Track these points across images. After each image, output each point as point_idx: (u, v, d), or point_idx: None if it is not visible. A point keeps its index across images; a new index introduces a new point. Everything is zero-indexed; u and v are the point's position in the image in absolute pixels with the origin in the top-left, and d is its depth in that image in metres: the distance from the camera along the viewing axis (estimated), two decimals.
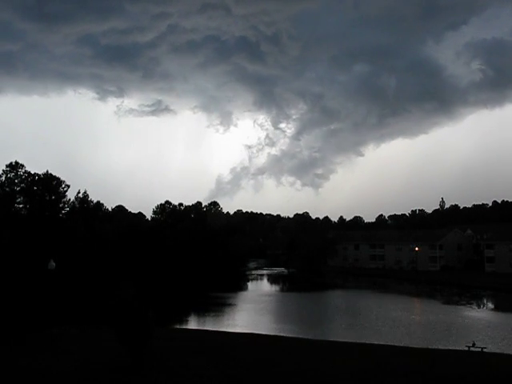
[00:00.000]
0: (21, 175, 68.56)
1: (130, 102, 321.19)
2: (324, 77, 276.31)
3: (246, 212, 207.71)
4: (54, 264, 29.72)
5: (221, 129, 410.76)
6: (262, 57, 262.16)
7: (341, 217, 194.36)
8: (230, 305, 60.70)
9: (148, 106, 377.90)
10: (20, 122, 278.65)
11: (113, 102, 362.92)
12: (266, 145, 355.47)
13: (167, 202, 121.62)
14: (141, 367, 21.59)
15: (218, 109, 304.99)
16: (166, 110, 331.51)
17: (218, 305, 59.15)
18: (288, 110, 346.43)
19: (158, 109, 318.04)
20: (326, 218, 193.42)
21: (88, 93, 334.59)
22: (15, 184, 68.37)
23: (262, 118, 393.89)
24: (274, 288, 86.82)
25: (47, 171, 70.42)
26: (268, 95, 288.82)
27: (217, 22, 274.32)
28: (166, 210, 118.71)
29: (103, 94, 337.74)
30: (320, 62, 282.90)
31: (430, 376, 20.73)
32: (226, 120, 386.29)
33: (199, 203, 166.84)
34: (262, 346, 29.66)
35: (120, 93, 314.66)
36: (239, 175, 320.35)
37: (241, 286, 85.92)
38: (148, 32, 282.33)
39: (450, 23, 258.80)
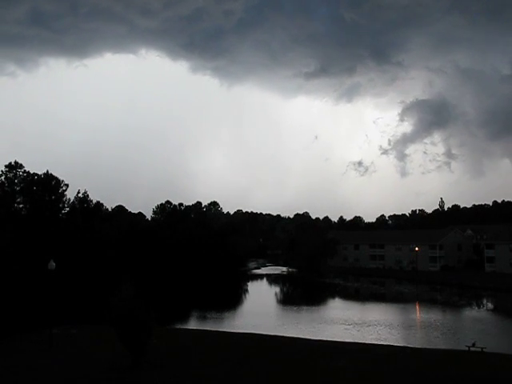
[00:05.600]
0: (20, 175, 68.53)
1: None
2: None
3: (246, 212, 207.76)
4: (54, 264, 29.64)
5: None
6: None
7: (341, 217, 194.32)
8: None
9: None
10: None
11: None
12: None
13: (167, 202, 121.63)
14: (141, 366, 21.60)
15: None
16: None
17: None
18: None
19: None
20: (326, 217, 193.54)
21: None
22: (15, 184, 68.33)
23: None
24: (277, 290, 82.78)
25: (47, 171, 70.44)
26: None
27: None
28: (166, 210, 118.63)
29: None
30: None
31: (431, 376, 20.75)
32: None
33: (199, 203, 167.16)
34: (262, 346, 29.65)
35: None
36: None
37: (240, 291, 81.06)
38: None
39: None
